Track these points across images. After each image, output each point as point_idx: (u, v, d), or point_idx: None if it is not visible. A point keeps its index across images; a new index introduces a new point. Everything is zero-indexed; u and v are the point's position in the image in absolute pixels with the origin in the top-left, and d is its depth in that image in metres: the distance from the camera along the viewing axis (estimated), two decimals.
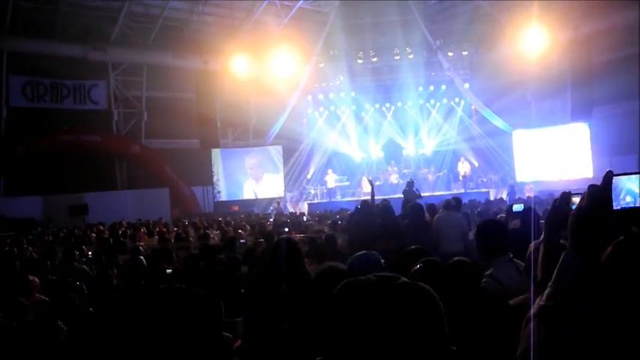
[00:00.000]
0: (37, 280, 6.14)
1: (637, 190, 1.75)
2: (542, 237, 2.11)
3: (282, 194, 24.14)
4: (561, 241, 2.21)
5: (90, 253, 8.69)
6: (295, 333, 3.00)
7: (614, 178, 1.78)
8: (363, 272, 2.80)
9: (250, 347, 3.27)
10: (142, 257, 6.98)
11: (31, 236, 13.18)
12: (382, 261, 3.46)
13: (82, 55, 20.90)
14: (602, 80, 19.91)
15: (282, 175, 24.28)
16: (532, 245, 2.69)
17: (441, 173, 23.79)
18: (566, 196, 2.02)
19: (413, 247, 3.74)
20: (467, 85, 24.08)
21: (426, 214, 8.75)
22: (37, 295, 5.88)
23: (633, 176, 1.76)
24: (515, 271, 3.47)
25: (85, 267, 7.46)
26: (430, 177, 23.32)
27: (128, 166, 23.31)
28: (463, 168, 22.91)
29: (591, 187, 1.68)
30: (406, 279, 1.14)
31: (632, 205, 1.76)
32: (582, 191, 1.99)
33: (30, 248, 10.60)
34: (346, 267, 3.29)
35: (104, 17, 21.12)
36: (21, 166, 19.66)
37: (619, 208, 1.79)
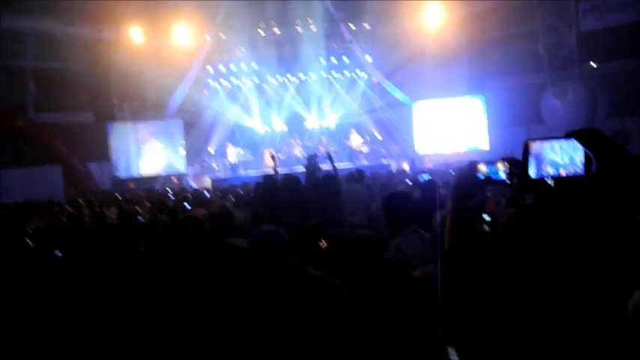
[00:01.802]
0: None
1: (560, 161, 1.73)
2: (448, 207, 2.07)
3: (183, 169, 23.51)
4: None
5: None
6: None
7: (538, 145, 1.75)
8: (266, 249, 2.67)
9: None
10: (28, 241, 6.46)
11: None
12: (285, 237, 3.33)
13: None
14: (495, 55, 20.88)
15: (182, 149, 23.61)
16: (437, 215, 2.67)
17: (332, 148, 23.47)
18: (473, 166, 1.98)
19: (313, 223, 3.71)
20: (368, 57, 24.34)
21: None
22: None
23: (556, 145, 1.74)
24: (419, 242, 3.50)
25: None
26: (321, 149, 22.90)
27: (14, 143, 21.72)
28: (354, 141, 23.14)
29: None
30: None
31: (553, 175, 1.74)
32: (490, 160, 1.97)
33: None
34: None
35: None
36: None
37: (540, 177, 1.76)
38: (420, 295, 2.08)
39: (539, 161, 1.74)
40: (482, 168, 1.94)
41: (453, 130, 22.32)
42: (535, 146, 1.76)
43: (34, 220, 10.80)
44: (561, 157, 1.72)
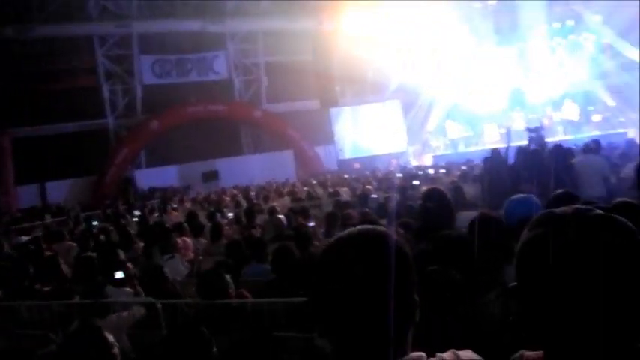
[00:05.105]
0: (188, 240, 6.66)
1: None
2: None
3: (403, 148, 23.97)
4: None
5: (230, 215, 9.18)
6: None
7: None
8: (522, 216, 2.74)
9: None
10: (280, 216, 7.28)
11: (173, 203, 14.16)
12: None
13: (201, 29, 21.75)
14: None
15: (403, 128, 24.06)
16: None
17: (558, 117, 22.05)
18: None
19: (561, 191, 3.60)
20: (596, 17, 22.23)
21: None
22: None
23: None
24: None
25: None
26: (545, 121, 21.24)
27: (252, 131, 24.18)
28: (568, 112, 21.41)
29: None
30: (601, 211, 1.07)
31: None
32: None
33: (176, 213, 11.44)
34: (503, 212, 3.26)
35: None
36: (157, 139, 21.11)
37: None
38: None
39: None
40: None
41: None
42: None
43: (274, 199, 12.03)
44: None
